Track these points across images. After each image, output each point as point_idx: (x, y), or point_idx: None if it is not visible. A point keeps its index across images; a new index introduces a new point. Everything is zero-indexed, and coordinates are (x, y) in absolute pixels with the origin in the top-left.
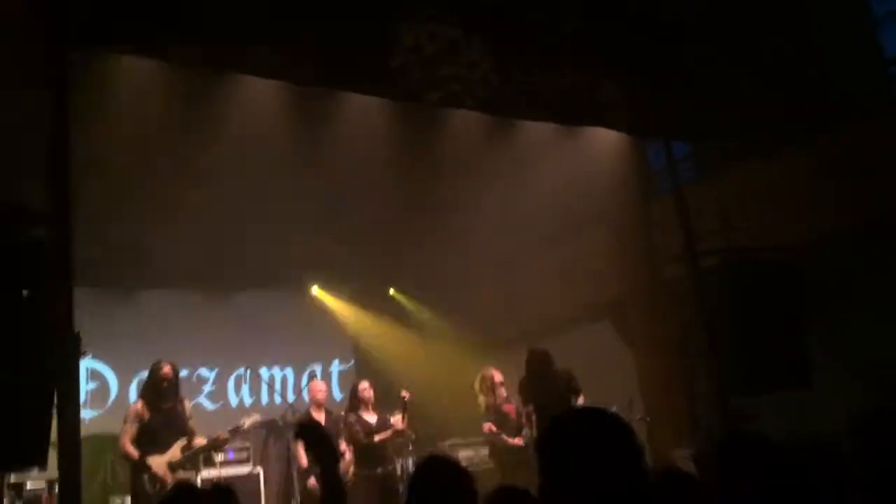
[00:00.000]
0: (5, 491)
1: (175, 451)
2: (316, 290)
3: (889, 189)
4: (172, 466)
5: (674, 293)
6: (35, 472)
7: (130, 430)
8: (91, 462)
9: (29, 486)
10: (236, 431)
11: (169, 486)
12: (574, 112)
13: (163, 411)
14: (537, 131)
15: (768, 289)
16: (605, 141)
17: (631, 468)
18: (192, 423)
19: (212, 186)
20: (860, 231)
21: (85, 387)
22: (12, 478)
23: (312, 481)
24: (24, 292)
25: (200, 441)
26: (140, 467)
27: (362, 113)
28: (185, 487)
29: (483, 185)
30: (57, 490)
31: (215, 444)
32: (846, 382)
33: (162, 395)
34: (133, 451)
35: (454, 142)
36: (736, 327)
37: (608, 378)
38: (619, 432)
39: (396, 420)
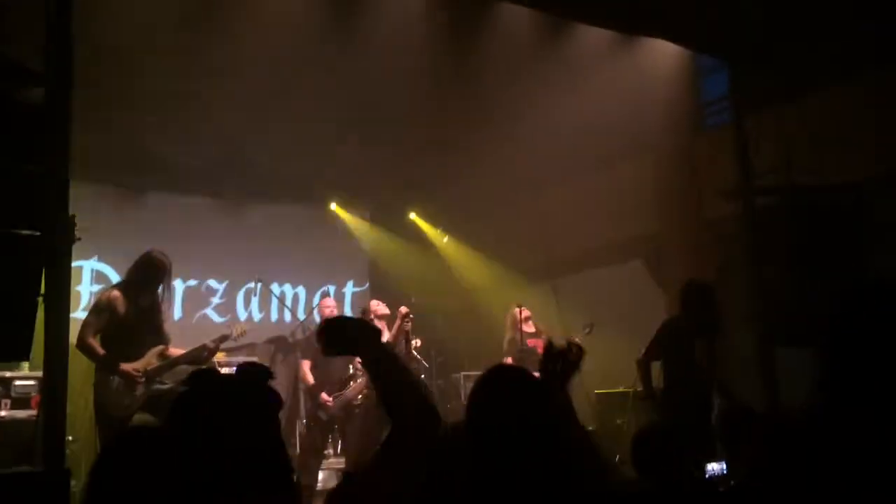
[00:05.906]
0: None
1: (150, 358)
2: (335, 207)
3: None
4: (149, 375)
5: (715, 234)
6: (25, 368)
7: (96, 321)
8: (90, 365)
9: (17, 383)
10: (222, 340)
11: (139, 397)
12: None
13: (141, 309)
14: (592, 38)
15: (828, 232)
16: (661, 59)
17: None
18: (166, 330)
19: (226, 85)
20: None
21: (89, 287)
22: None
23: (323, 396)
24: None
25: (176, 351)
26: (109, 367)
27: (398, 3)
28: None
29: (525, 98)
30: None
31: (198, 355)
32: None
33: (148, 286)
34: (97, 347)
35: (499, 42)
36: (791, 272)
37: (632, 320)
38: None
39: (415, 343)
